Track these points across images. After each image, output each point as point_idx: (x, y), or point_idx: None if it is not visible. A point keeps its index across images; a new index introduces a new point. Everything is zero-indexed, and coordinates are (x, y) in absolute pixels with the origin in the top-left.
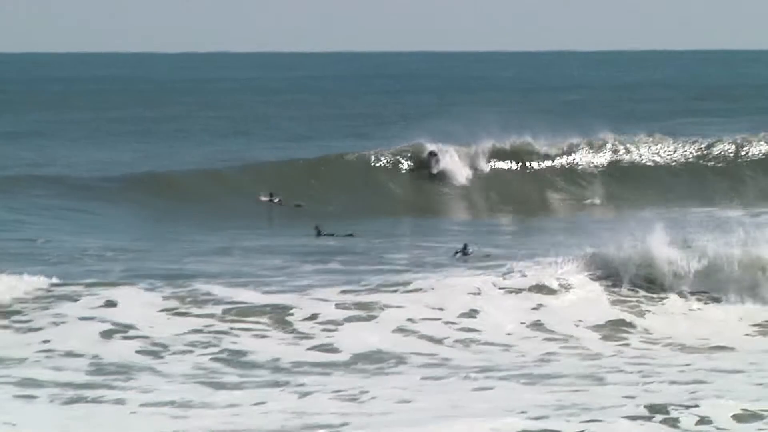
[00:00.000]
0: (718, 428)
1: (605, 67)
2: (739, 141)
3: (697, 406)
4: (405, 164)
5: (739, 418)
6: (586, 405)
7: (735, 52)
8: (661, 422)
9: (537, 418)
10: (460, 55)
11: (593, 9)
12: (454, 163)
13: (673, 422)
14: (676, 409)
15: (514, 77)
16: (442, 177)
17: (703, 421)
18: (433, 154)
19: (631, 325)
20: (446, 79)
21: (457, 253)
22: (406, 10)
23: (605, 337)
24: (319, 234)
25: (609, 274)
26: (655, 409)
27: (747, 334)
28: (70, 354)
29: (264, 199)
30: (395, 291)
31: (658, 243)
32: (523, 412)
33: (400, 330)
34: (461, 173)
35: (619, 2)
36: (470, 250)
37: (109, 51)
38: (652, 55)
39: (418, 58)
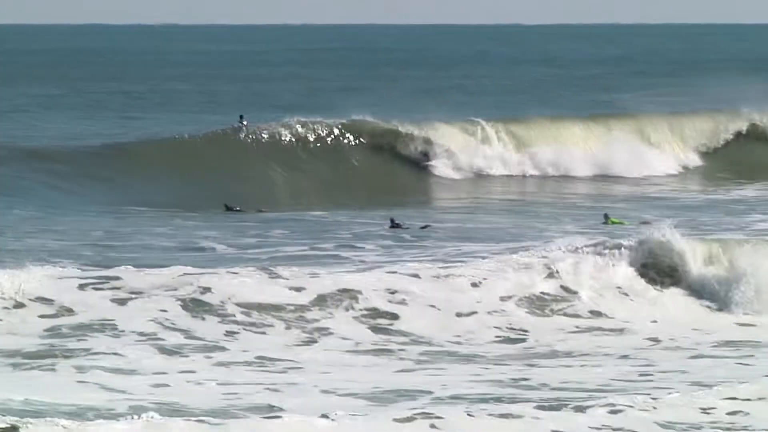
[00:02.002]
0: None
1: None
2: None
3: None
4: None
5: None
6: None
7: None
8: None
9: None
10: (434, 27)
11: None
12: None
13: None
14: None
15: (482, 51)
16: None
17: None
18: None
19: None
20: (410, 53)
21: (393, 226)
22: None
23: None
24: (393, 225)
25: None
26: None
27: None
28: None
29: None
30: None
31: None
32: None
33: None
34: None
35: None
36: (400, 223)
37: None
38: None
39: (389, 31)
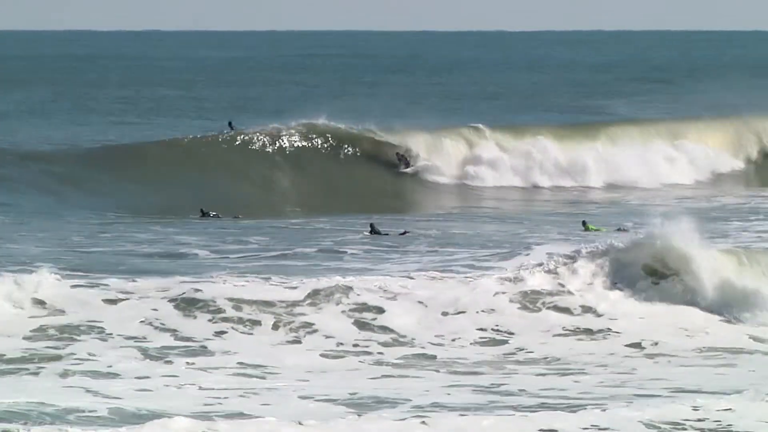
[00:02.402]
0: None
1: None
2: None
3: None
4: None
5: None
6: None
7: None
8: None
9: None
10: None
11: None
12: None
13: None
14: None
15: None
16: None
17: None
18: (401, 156)
19: None
20: (398, 59)
21: (372, 232)
22: None
23: None
24: (373, 232)
25: None
26: None
27: None
28: None
29: (194, 217)
30: None
31: None
32: None
33: None
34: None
35: None
36: (380, 230)
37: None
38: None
39: (381, 37)
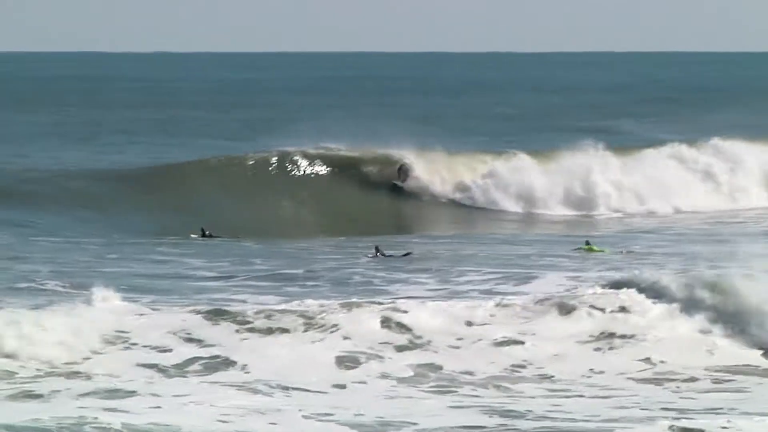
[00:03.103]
0: None
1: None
2: None
3: None
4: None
5: None
6: None
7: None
8: None
9: None
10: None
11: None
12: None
13: None
14: None
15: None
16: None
17: None
18: (402, 168)
19: None
20: (415, 81)
21: (377, 255)
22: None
23: None
24: (378, 254)
25: None
26: None
27: None
28: None
29: (194, 236)
30: None
31: None
32: None
33: None
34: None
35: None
36: (385, 251)
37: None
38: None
39: (400, 59)
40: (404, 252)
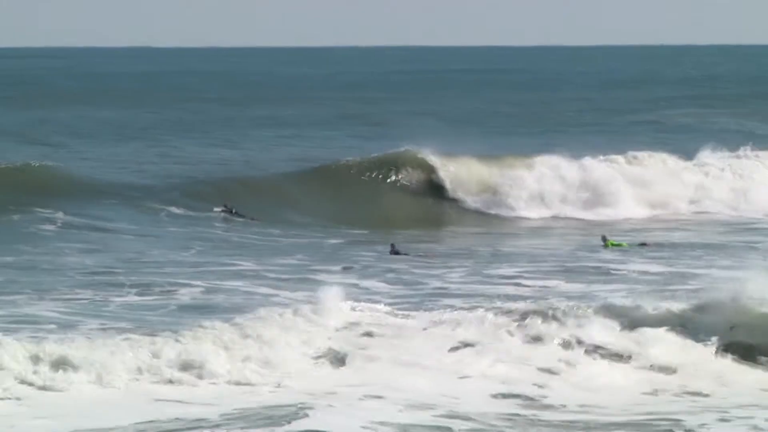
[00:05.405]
0: None
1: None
2: None
3: None
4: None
5: None
6: None
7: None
8: None
9: None
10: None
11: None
12: None
13: None
14: None
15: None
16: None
17: None
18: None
19: None
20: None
21: (392, 252)
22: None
23: None
24: (393, 252)
25: None
26: None
27: None
28: None
29: (218, 209)
30: None
31: None
32: None
33: None
34: None
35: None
36: (399, 249)
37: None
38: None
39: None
40: (421, 253)
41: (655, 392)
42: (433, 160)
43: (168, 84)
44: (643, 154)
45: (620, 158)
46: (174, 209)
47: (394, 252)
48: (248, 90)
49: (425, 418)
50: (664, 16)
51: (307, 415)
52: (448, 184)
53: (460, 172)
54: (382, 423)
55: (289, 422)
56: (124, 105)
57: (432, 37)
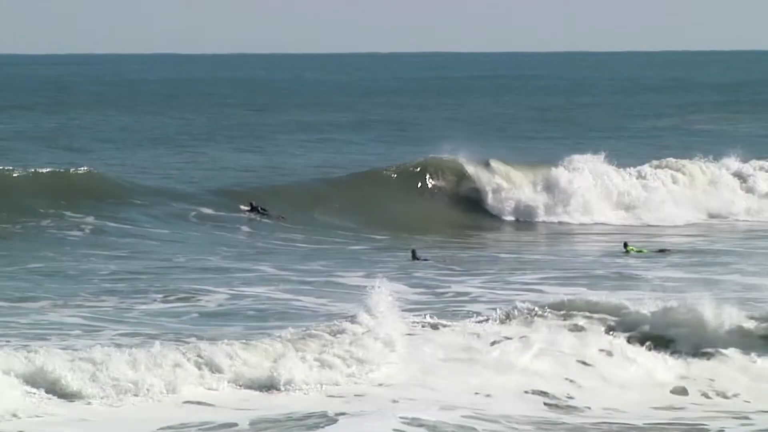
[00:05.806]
0: None
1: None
2: None
3: None
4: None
5: None
6: None
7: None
8: None
9: None
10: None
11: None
12: None
13: None
14: None
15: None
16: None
17: None
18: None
19: None
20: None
21: (413, 258)
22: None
23: None
24: (414, 258)
25: None
26: None
27: None
28: None
29: (244, 208)
30: None
31: None
32: None
33: None
34: None
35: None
36: (420, 255)
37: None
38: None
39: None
40: (440, 258)
41: (683, 391)
42: (465, 166)
43: (196, 90)
44: (684, 161)
45: (664, 166)
46: (203, 210)
47: (415, 258)
48: (274, 96)
49: (454, 417)
50: (691, 20)
51: (337, 420)
52: (483, 191)
53: (491, 179)
54: (410, 422)
55: (323, 427)
56: (152, 111)
57: (456, 43)
